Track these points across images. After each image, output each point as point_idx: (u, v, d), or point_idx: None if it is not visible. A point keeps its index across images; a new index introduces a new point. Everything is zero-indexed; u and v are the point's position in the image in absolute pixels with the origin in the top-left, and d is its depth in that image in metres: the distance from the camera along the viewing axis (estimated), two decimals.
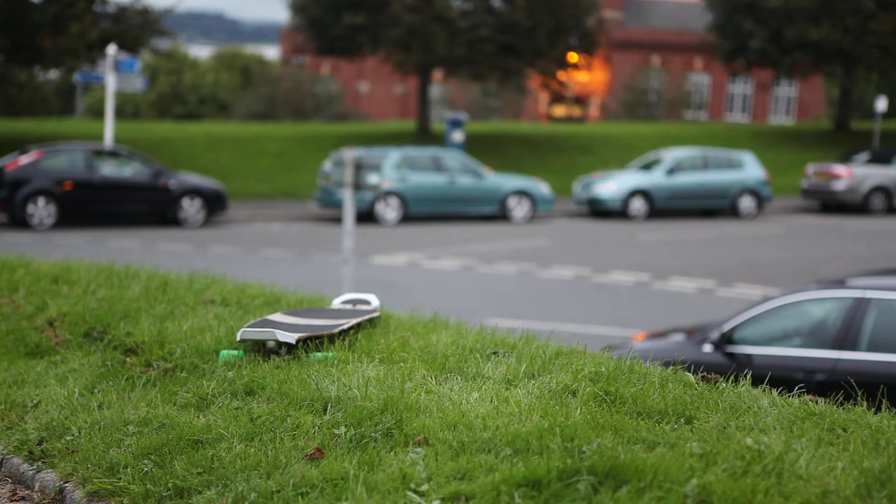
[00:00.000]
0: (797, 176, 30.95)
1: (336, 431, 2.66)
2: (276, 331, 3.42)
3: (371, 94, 54.01)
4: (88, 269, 5.45)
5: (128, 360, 3.62)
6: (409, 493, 2.24)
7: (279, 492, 2.37)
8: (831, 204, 28.15)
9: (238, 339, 3.46)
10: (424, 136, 34.68)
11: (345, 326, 3.68)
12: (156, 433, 2.84)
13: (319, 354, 3.36)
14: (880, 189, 27.67)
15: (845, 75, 38.21)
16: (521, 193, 24.73)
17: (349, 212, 12.09)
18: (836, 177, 27.73)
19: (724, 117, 54.63)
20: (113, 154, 23.18)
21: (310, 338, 3.49)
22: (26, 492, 2.90)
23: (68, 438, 2.96)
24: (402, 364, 3.21)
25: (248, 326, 3.53)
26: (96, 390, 3.35)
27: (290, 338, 3.41)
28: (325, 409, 2.81)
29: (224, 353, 3.45)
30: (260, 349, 3.48)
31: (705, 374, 3.09)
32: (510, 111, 52.76)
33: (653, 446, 2.42)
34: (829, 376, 7.17)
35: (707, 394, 2.87)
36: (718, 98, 55.77)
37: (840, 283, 8.10)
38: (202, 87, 50.00)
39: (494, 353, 3.41)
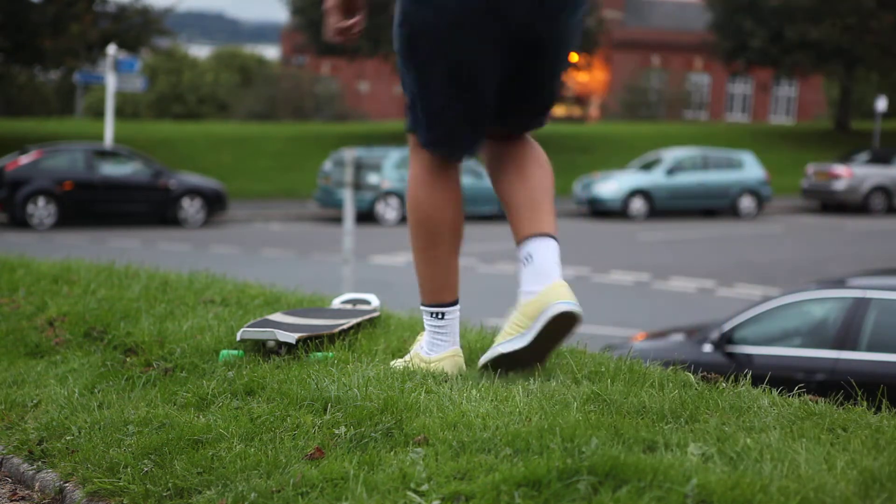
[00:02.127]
0: (797, 176, 30.96)
1: (336, 431, 2.66)
2: (276, 331, 3.41)
3: (371, 94, 54.02)
4: (88, 269, 5.44)
5: (128, 360, 3.61)
6: (409, 493, 2.24)
7: (279, 491, 2.37)
8: (831, 204, 28.16)
9: (238, 338, 3.45)
10: None
11: (345, 326, 3.68)
12: (156, 433, 2.84)
13: (319, 354, 3.36)
14: (880, 189, 27.69)
15: (845, 75, 38.20)
16: None
17: (349, 212, 12.09)
18: (836, 177, 27.75)
19: (724, 117, 54.64)
20: (113, 154, 23.19)
21: (310, 338, 3.49)
22: (26, 492, 2.90)
23: (68, 438, 2.96)
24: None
25: (248, 326, 3.52)
26: (96, 390, 3.34)
27: (290, 338, 3.41)
28: (325, 409, 2.81)
29: (224, 352, 3.45)
30: (260, 349, 3.48)
31: (705, 374, 3.09)
32: None
33: (653, 446, 2.42)
34: (829, 376, 7.17)
35: (707, 394, 2.87)
36: (718, 98, 55.79)
37: (840, 283, 8.10)
38: (202, 86, 50.00)
39: None
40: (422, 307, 3.24)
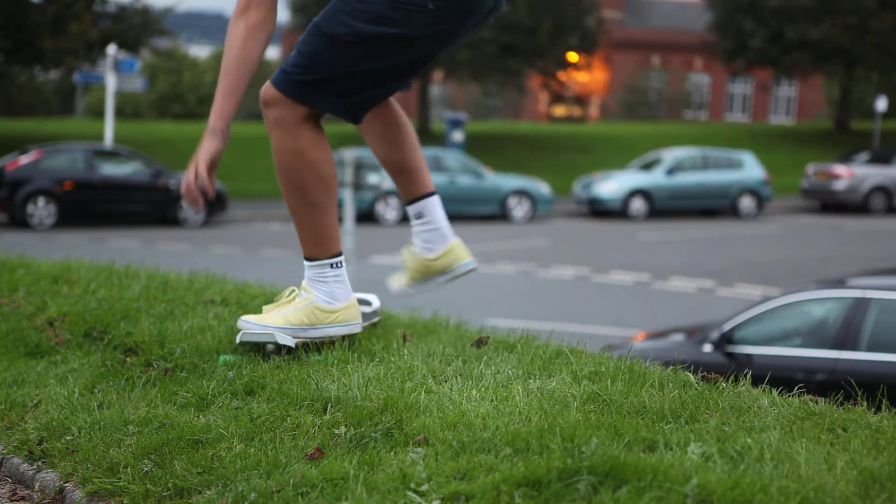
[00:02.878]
0: (797, 176, 30.96)
1: (336, 431, 2.65)
2: (275, 333, 3.41)
3: None
4: (88, 269, 5.44)
5: (128, 359, 3.61)
6: (409, 493, 2.24)
7: (279, 491, 2.37)
8: (831, 204, 28.15)
9: (237, 341, 3.44)
10: (424, 135, 34.69)
11: None
12: (156, 433, 2.83)
13: (319, 355, 3.36)
14: (880, 189, 27.68)
15: (845, 75, 38.20)
16: (521, 193, 24.73)
17: (349, 212, 12.10)
18: (836, 177, 27.74)
19: (724, 117, 54.63)
20: (113, 154, 23.18)
21: (306, 342, 3.48)
22: (26, 492, 2.90)
23: (68, 438, 2.95)
24: (402, 364, 3.21)
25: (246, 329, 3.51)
26: (96, 390, 3.34)
27: (290, 341, 3.40)
28: (325, 409, 2.81)
29: (223, 357, 3.45)
30: (260, 349, 3.49)
31: (705, 374, 3.08)
32: (510, 111, 52.77)
33: (653, 446, 2.42)
34: (829, 376, 7.17)
35: (707, 394, 2.87)
36: (718, 98, 55.78)
37: (840, 283, 8.10)
38: (202, 86, 49.99)
39: (494, 352, 3.41)
40: (316, 262, 3.40)
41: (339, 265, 3.42)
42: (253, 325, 3.40)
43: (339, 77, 3.22)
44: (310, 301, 3.39)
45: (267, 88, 3.28)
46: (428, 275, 3.74)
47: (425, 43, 3.22)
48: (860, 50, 35.73)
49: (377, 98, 3.36)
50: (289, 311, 3.40)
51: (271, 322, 3.38)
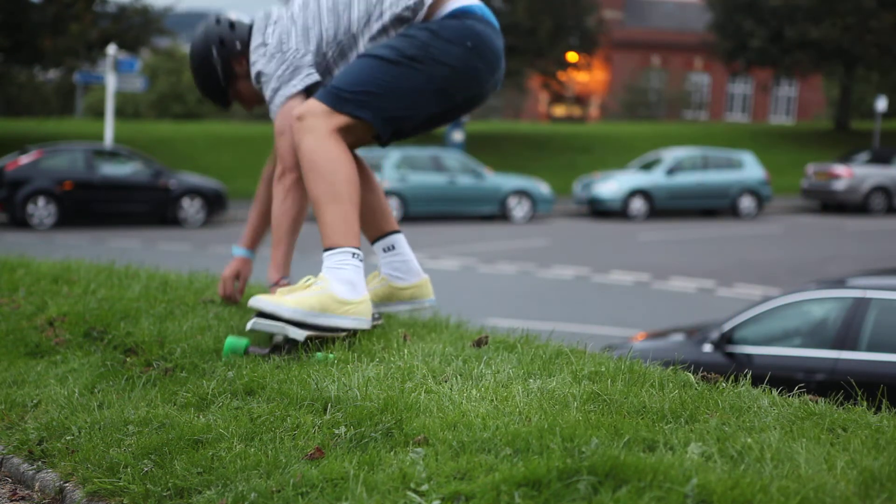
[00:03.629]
0: (797, 176, 30.96)
1: (336, 431, 2.66)
2: (287, 326, 3.43)
3: None
4: (88, 269, 5.44)
5: (128, 359, 3.61)
6: (409, 493, 2.24)
7: (279, 491, 2.37)
8: (831, 204, 28.15)
9: (248, 328, 3.47)
10: (424, 135, 34.67)
11: None
12: (156, 433, 2.83)
13: (320, 354, 3.36)
14: (880, 189, 27.67)
15: (845, 75, 38.20)
16: (521, 193, 24.73)
17: None
18: (836, 177, 27.74)
19: (724, 117, 54.62)
20: (113, 154, 23.17)
21: (314, 337, 3.50)
22: (26, 492, 2.90)
23: (68, 438, 2.95)
24: (402, 364, 3.22)
25: (257, 317, 3.53)
26: (96, 390, 3.34)
27: (300, 335, 3.43)
28: (325, 409, 2.81)
29: (230, 338, 3.46)
30: (266, 342, 3.50)
31: (705, 374, 3.08)
32: (510, 111, 52.78)
33: (653, 446, 2.42)
34: (829, 376, 7.17)
35: (707, 394, 2.87)
36: (718, 98, 55.77)
37: (840, 283, 8.10)
38: None
39: (494, 352, 3.41)
40: (338, 249, 3.53)
41: (360, 258, 3.54)
42: (266, 303, 3.44)
43: (379, 92, 3.58)
44: (325, 289, 3.46)
45: (303, 104, 3.63)
46: (391, 300, 3.96)
47: (459, 77, 3.65)
48: (860, 50, 35.73)
49: (405, 123, 3.70)
50: (303, 294, 3.46)
51: (284, 303, 3.42)
